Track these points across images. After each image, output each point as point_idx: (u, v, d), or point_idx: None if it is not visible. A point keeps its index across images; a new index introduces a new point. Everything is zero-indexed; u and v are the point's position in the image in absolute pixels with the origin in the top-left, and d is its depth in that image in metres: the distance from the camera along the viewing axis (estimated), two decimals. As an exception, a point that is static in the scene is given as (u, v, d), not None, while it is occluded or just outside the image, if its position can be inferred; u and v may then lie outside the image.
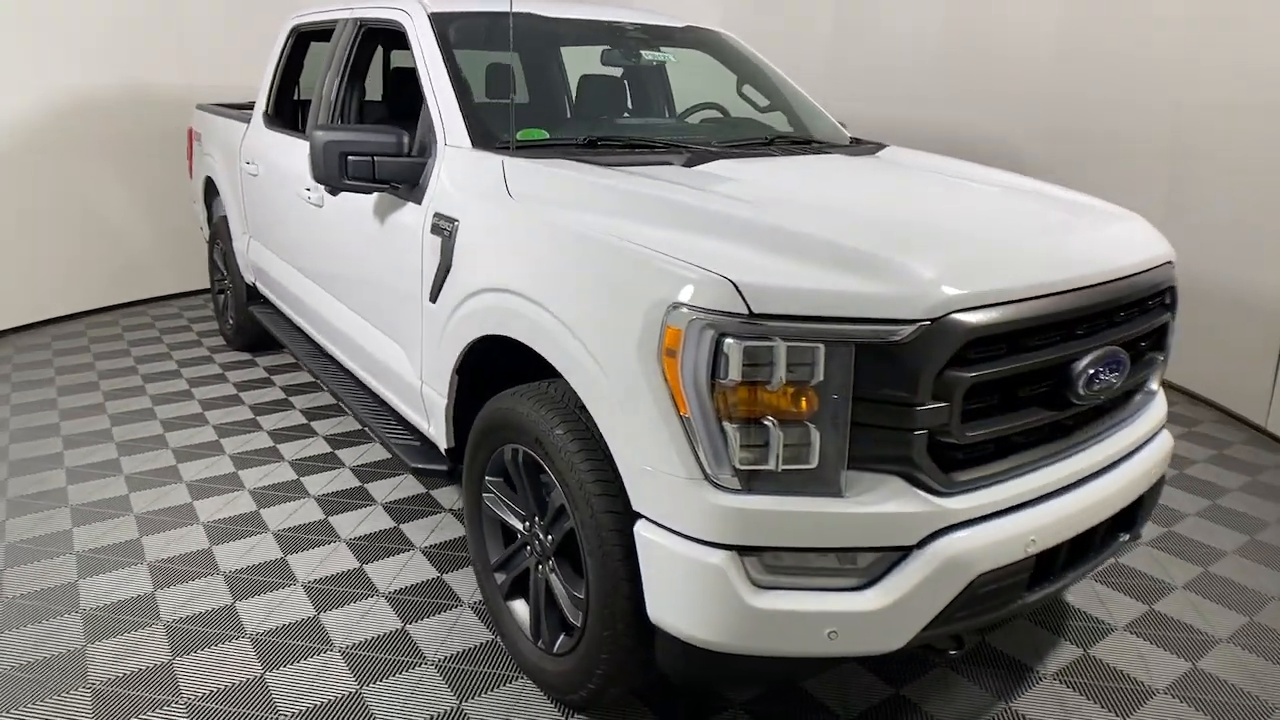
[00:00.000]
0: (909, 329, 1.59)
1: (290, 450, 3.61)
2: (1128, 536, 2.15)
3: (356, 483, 3.33)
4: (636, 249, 1.77)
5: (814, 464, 1.62)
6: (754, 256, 1.69)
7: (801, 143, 2.92)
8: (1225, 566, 2.90)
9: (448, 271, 2.28)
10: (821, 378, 1.59)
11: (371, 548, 2.88)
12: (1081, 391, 1.82)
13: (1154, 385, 2.22)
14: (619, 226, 1.87)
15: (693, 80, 3.90)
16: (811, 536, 1.65)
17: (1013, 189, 2.45)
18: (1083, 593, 2.71)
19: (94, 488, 3.28)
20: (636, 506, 1.75)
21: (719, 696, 2.21)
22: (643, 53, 3.16)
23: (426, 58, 2.65)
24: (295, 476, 3.38)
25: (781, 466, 1.62)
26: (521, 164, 2.22)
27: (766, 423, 1.60)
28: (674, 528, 1.68)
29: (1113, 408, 2.04)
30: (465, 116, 2.46)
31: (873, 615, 1.66)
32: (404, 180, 2.46)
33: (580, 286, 1.85)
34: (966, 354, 1.65)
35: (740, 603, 1.65)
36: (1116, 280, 1.90)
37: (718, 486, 1.63)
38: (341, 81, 3.21)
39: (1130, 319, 1.98)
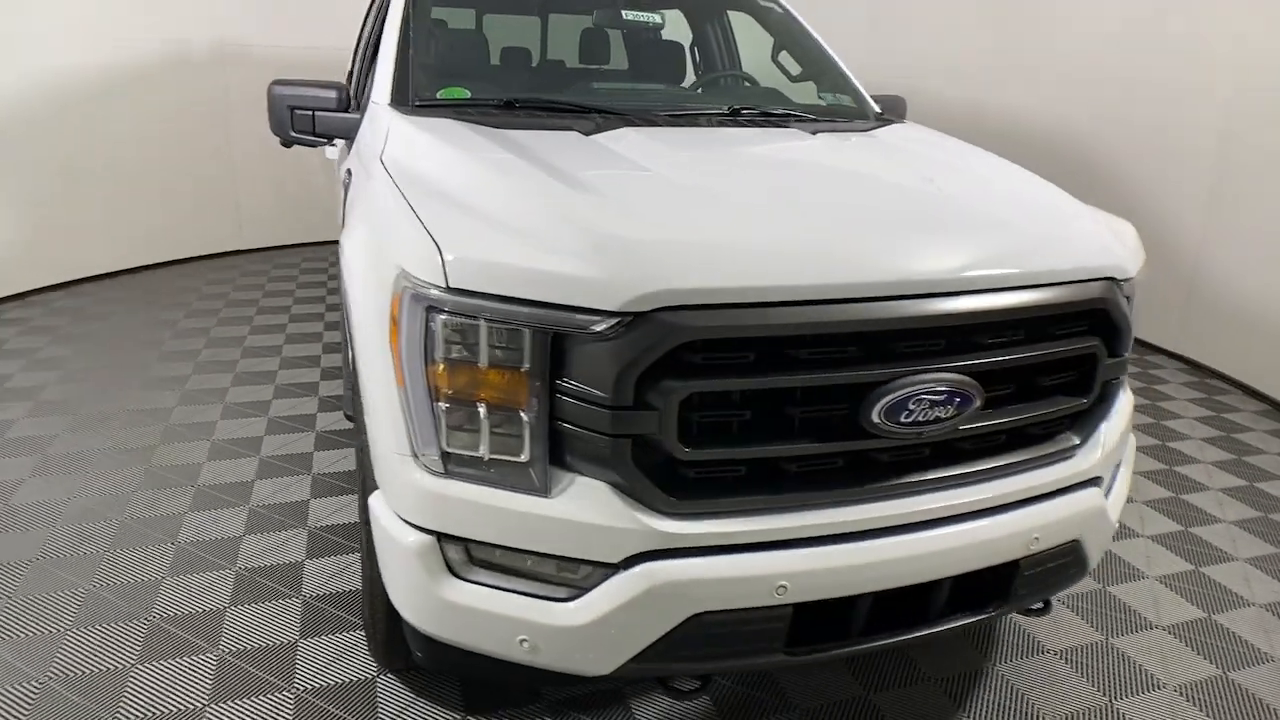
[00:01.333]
0: (609, 322, 1.41)
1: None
2: (995, 609, 1.77)
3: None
4: (409, 212, 1.71)
5: (524, 457, 1.50)
6: (497, 233, 1.56)
7: (777, 115, 2.62)
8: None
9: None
10: (528, 365, 1.46)
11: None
12: (880, 424, 1.51)
13: (1074, 437, 1.78)
14: (427, 189, 1.81)
15: (744, 46, 3.67)
16: (511, 535, 1.53)
17: (950, 179, 2.06)
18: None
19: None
20: (375, 479, 1.72)
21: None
22: (624, 14, 3.00)
23: (389, 11, 2.70)
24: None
25: (490, 455, 1.52)
26: (403, 122, 2.21)
27: (476, 407, 1.50)
28: (391, 505, 1.64)
29: (972, 452, 1.68)
30: (394, 73, 2.49)
31: (569, 631, 1.52)
32: (342, 136, 2.55)
33: (366, 247, 1.83)
34: (688, 359, 1.43)
35: (432, 591, 1.57)
36: (958, 293, 1.54)
37: (424, 468, 1.56)
38: (370, 44, 3.36)
39: (990, 344, 1.60)
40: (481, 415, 1.50)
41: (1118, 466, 2.10)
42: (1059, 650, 2.34)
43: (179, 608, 2.34)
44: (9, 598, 2.36)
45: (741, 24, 3.62)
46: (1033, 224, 1.79)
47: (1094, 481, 1.83)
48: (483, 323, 1.46)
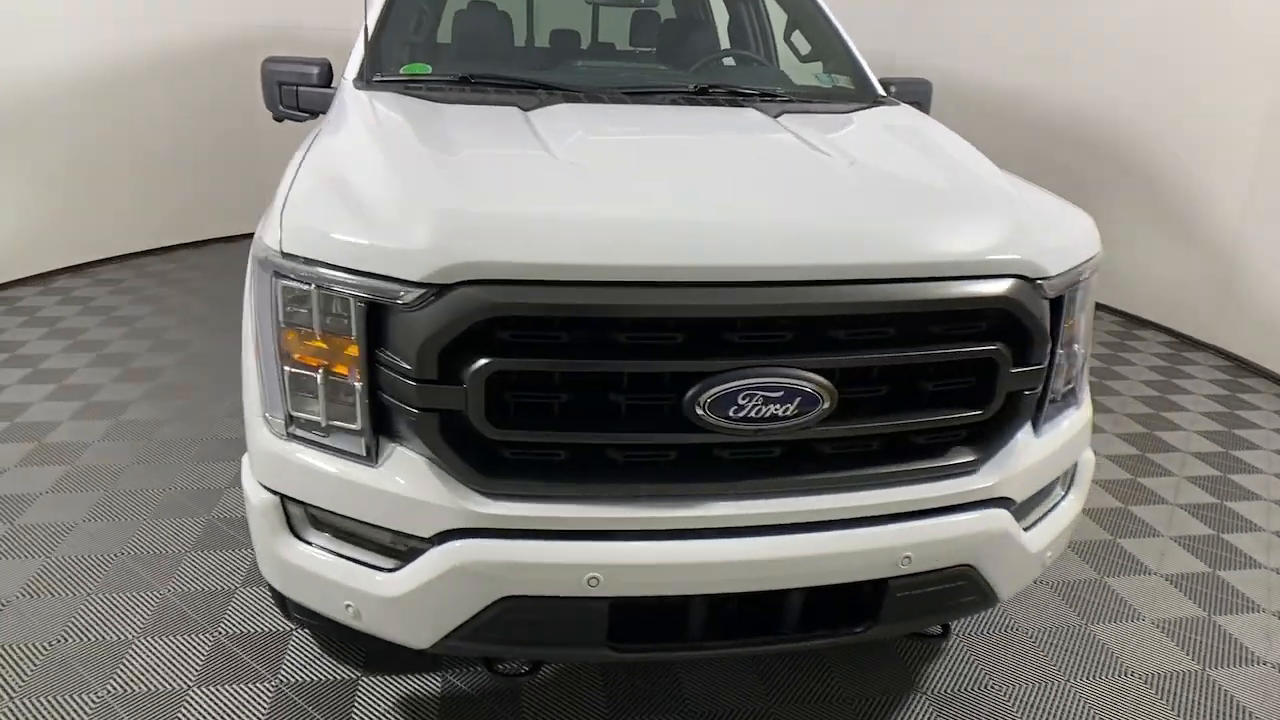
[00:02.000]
0: (415, 293, 1.39)
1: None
2: (867, 629, 1.63)
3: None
4: (289, 181, 1.74)
5: (356, 425, 1.52)
6: (342, 203, 1.56)
7: (745, 95, 2.47)
8: None
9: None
10: (354, 333, 1.47)
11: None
12: (706, 418, 1.42)
13: (970, 453, 1.60)
14: (318, 160, 1.84)
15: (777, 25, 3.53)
16: (339, 501, 1.55)
17: (877, 165, 1.90)
18: None
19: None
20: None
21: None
22: (614, -9, 2.93)
23: None
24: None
25: (327, 421, 1.54)
26: (348, 96, 2.26)
27: (313, 373, 1.53)
28: (250, 465, 1.69)
29: (834, 458, 1.55)
30: (366, 50, 2.54)
31: (386, 602, 1.52)
32: (321, 110, 2.64)
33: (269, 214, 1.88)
34: (498, 335, 1.39)
35: (276, 550, 1.62)
36: (800, 284, 1.42)
37: (271, 430, 1.61)
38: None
39: (846, 342, 1.47)
40: (318, 381, 1.52)
41: (1060, 492, 1.89)
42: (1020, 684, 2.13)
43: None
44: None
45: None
46: (927, 214, 1.63)
47: (1000, 503, 1.65)
48: (314, 289, 1.48)
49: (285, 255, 1.50)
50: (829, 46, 2.88)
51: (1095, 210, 2.01)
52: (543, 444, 1.45)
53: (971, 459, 1.61)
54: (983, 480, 1.61)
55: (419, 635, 1.54)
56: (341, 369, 1.51)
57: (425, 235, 1.41)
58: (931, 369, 1.56)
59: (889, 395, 1.55)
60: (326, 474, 1.54)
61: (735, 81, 2.59)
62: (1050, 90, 5.53)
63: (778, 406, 1.43)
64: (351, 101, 2.17)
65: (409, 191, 1.54)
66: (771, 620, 1.59)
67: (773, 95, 2.48)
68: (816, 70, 2.82)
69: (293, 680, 2.04)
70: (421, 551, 1.49)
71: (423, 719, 1.93)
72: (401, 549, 1.54)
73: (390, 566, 1.54)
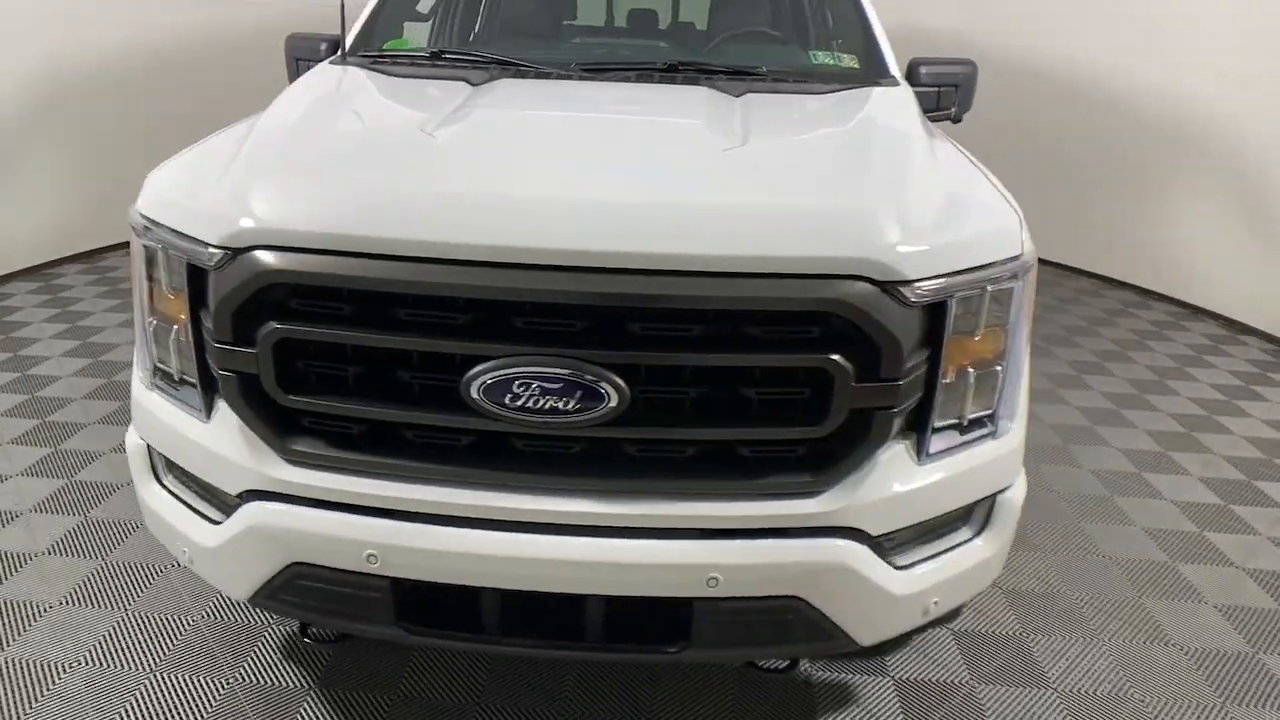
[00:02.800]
0: (216, 256, 1.42)
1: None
2: (680, 650, 1.49)
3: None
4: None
5: (196, 380, 1.59)
6: (202, 169, 1.62)
7: (712, 72, 2.30)
8: None
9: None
10: (186, 292, 1.53)
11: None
12: (481, 403, 1.35)
13: (806, 474, 1.43)
14: (229, 131, 1.91)
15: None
16: (176, 451, 1.62)
17: (773, 149, 1.72)
18: None
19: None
20: None
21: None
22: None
23: None
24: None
25: (180, 375, 1.62)
26: (313, 71, 2.32)
27: (163, 328, 1.61)
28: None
29: (641, 461, 1.43)
30: (365, 23, 2.62)
31: (205, 552, 1.58)
32: (326, 85, 2.76)
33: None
34: (288, 302, 1.40)
35: (140, 492, 1.73)
36: (588, 270, 1.31)
37: (140, 380, 1.71)
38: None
39: (641, 336, 1.34)
40: (170, 337, 1.60)
41: (965, 533, 1.65)
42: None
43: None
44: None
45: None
46: (770, 205, 1.45)
47: (845, 534, 1.46)
48: (159, 250, 1.56)
49: (141, 215, 1.59)
50: (847, 23, 2.65)
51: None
52: (335, 415, 1.45)
53: (807, 481, 1.43)
54: (820, 506, 1.43)
55: (235, 588, 1.59)
56: (178, 324, 1.57)
57: (226, 201, 1.45)
58: (758, 375, 1.40)
59: (706, 400, 1.41)
60: (172, 425, 1.62)
61: (720, 60, 2.43)
62: (1122, 74, 5.16)
63: (557, 400, 1.34)
64: (306, 76, 2.25)
65: (241, 160, 1.58)
66: (574, 626, 1.50)
67: (752, 74, 2.32)
68: (833, 48, 2.61)
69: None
70: (236, 508, 1.54)
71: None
72: (222, 503, 1.60)
73: (217, 519, 1.60)
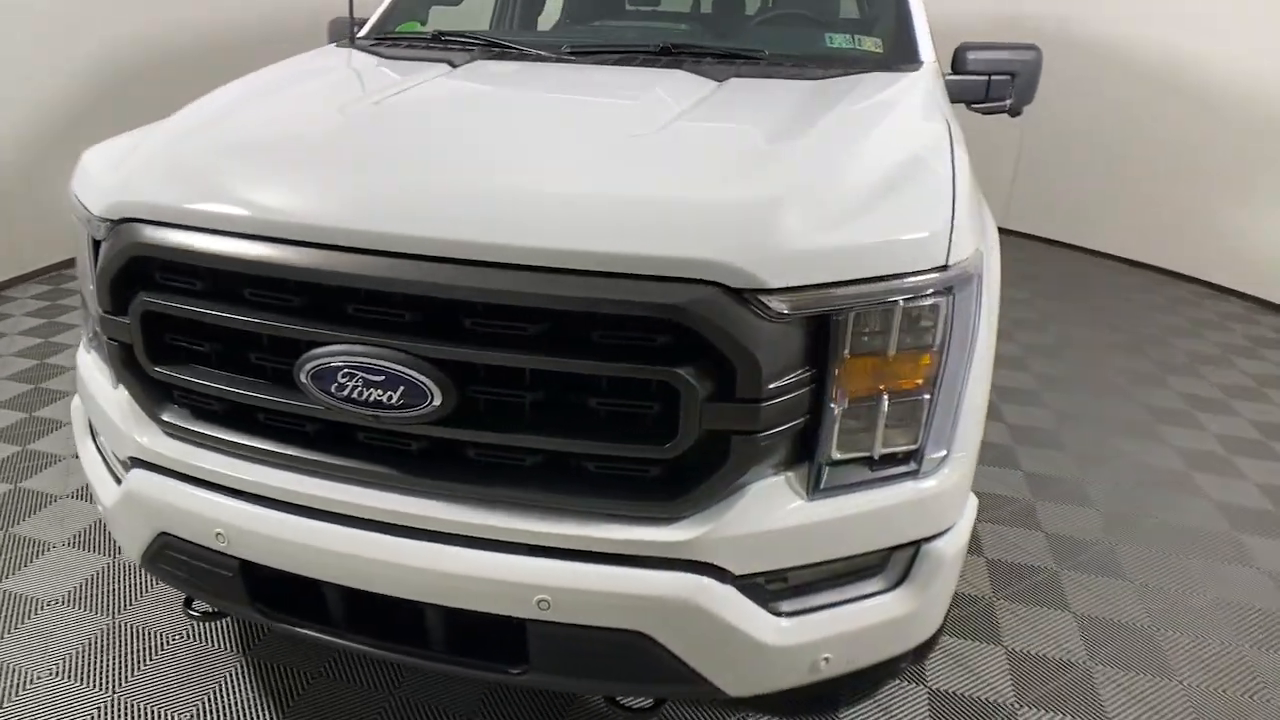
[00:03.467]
0: (99, 226, 1.45)
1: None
2: (523, 673, 1.38)
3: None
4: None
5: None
6: (130, 147, 1.65)
7: (713, 55, 2.13)
8: None
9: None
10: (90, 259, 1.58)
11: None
12: (309, 388, 1.30)
13: (653, 500, 1.27)
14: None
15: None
16: (94, 414, 1.68)
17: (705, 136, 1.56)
18: None
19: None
20: None
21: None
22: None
23: None
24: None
25: (104, 340, 1.68)
26: (308, 53, 2.34)
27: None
28: None
29: (479, 466, 1.32)
30: (386, 7, 2.63)
31: (109, 511, 1.63)
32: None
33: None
34: (156, 275, 1.40)
35: (77, 446, 1.81)
36: (423, 258, 1.22)
37: (83, 344, 1.80)
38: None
39: (472, 331, 1.24)
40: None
41: (875, 584, 1.43)
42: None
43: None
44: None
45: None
46: (639, 194, 1.29)
47: (702, 569, 1.29)
48: (81, 224, 1.62)
49: (73, 191, 1.65)
50: (884, 6, 2.39)
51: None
52: (194, 390, 1.44)
53: (657, 506, 1.28)
54: (670, 535, 1.28)
55: (128, 550, 1.63)
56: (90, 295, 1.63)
57: (116, 175, 1.47)
58: (605, 385, 1.27)
59: (546, 407, 1.29)
60: (90, 388, 1.68)
61: (728, 43, 2.26)
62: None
63: (380, 392, 1.26)
64: (296, 57, 2.28)
65: (149, 136, 1.60)
66: (419, 631, 1.43)
67: (749, 57, 2.13)
68: (860, 31, 2.36)
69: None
70: (127, 473, 1.58)
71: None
72: (122, 467, 1.64)
73: (118, 481, 1.65)
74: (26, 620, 2.12)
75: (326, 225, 1.28)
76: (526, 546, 1.31)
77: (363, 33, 2.58)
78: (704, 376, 1.21)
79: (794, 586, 1.39)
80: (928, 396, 1.36)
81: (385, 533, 1.35)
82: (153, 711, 1.86)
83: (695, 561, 1.29)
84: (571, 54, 2.16)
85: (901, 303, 1.28)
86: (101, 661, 2.00)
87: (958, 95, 2.42)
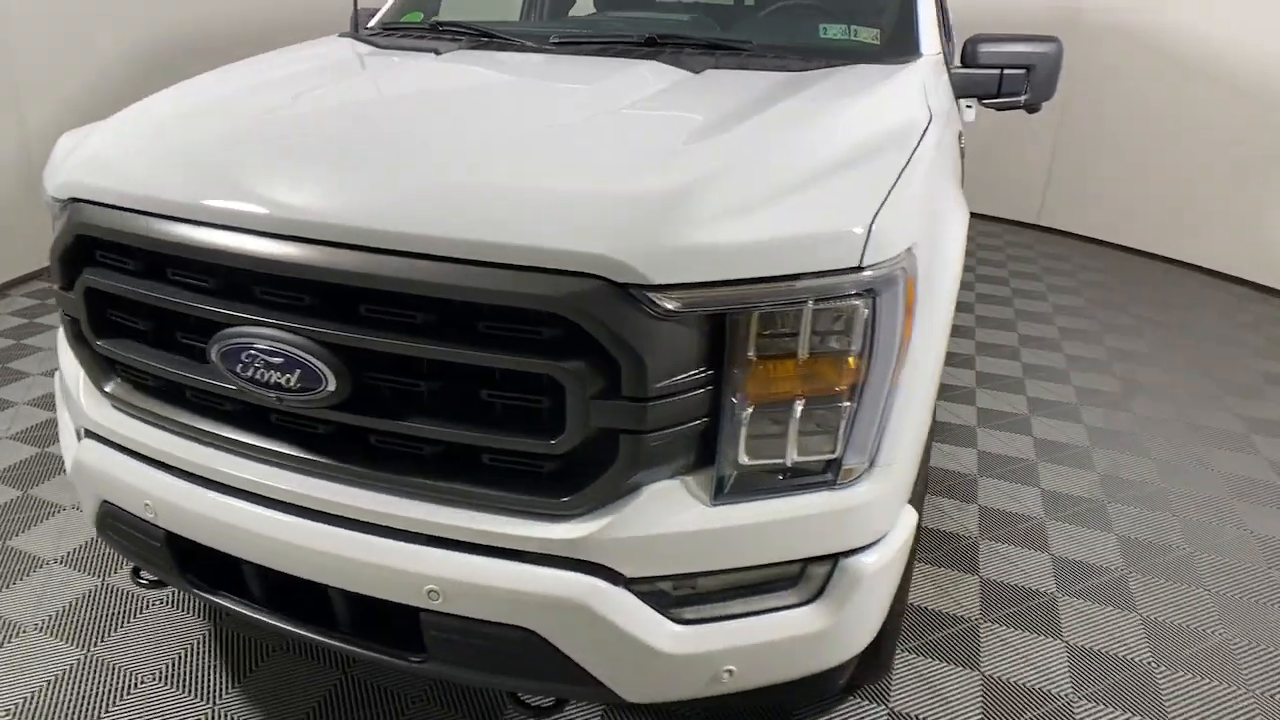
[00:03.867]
0: (54, 205, 1.52)
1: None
2: (421, 661, 1.38)
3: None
4: None
5: None
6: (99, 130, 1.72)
7: (694, 46, 2.08)
8: None
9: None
10: None
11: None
12: (217, 366, 1.32)
13: (560, 493, 1.25)
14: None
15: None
16: (64, 381, 1.75)
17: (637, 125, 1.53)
18: None
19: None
20: None
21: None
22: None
23: None
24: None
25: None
26: (307, 43, 2.38)
27: None
28: None
29: (377, 450, 1.33)
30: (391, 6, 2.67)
31: (69, 473, 1.70)
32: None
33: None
34: (96, 253, 1.45)
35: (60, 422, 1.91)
36: (321, 243, 1.23)
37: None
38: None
39: (362, 318, 1.24)
40: None
41: (788, 596, 1.37)
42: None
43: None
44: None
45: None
46: (519, 187, 1.26)
47: (592, 569, 1.26)
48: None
49: (44, 173, 1.73)
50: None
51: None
52: (129, 364, 1.49)
53: (550, 502, 1.26)
54: (560, 533, 1.25)
55: (86, 515, 1.71)
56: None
57: (70, 158, 1.53)
58: (498, 377, 1.25)
59: (442, 396, 1.28)
60: (60, 361, 1.76)
61: (718, 34, 2.21)
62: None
63: (279, 374, 1.28)
64: (291, 47, 2.33)
65: (109, 121, 1.66)
66: (329, 613, 1.44)
67: (739, 48, 2.07)
68: (859, 24, 2.27)
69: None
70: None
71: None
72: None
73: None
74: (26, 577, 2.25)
75: (232, 209, 1.30)
76: (420, 535, 1.30)
77: (373, 22, 2.63)
78: (591, 372, 1.18)
79: (700, 594, 1.34)
80: (848, 404, 1.30)
81: (291, 514, 1.37)
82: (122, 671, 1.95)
83: (586, 561, 1.26)
84: (557, 44, 2.15)
85: (811, 304, 1.22)
86: (81, 618, 2.10)
87: (967, 89, 2.31)
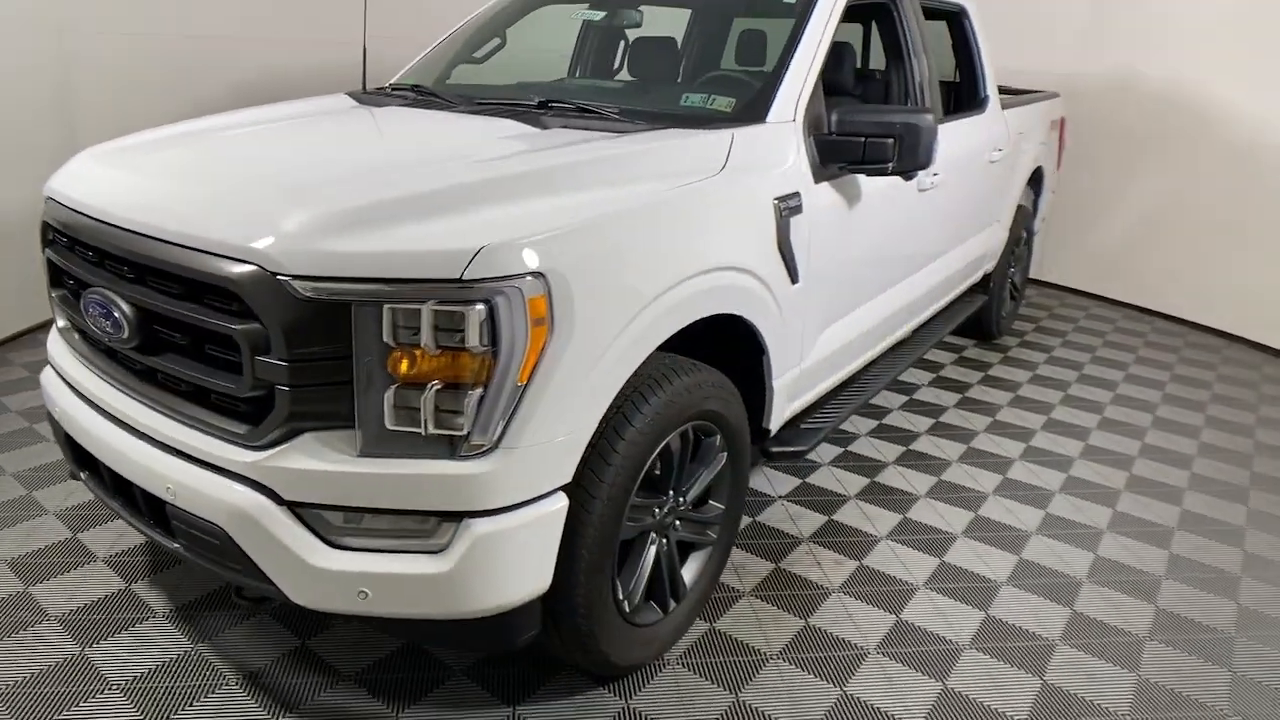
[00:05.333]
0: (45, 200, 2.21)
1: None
2: (181, 547, 1.85)
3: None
4: None
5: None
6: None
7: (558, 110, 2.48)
8: None
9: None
10: None
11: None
12: (84, 313, 1.90)
13: (241, 425, 1.69)
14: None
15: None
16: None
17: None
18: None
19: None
20: None
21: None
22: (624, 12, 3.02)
23: None
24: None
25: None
26: (320, 96, 3.02)
27: None
28: None
29: (159, 376, 1.86)
30: (415, 63, 3.27)
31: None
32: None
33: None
34: (50, 232, 2.10)
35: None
36: (142, 236, 1.76)
37: None
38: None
39: (149, 287, 1.77)
40: None
41: (433, 540, 1.69)
42: None
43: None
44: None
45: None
46: (236, 197, 1.76)
47: (259, 489, 1.66)
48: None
49: None
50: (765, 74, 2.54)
51: None
52: (61, 310, 2.12)
53: (240, 431, 1.69)
54: (241, 456, 1.68)
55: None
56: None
57: (61, 168, 2.20)
58: (217, 336, 1.70)
59: (184, 346, 1.77)
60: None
61: (589, 100, 2.57)
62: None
63: (106, 322, 1.83)
64: (310, 98, 2.99)
65: (100, 144, 2.34)
66: (137, 501, 1.95)
67: (600, 113, 2.42)
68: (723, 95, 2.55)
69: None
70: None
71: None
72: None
73: None
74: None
75: (93, 204, 1.88)
76: (168, 446, 1.79)
77: (389, 83, 3.27)
78: (255, 336, 1.60)
79: (351, 526, 1.69)
80: (474, 390, 1.61)
81: (113, 423, 1.91)
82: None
83: (257, 482, 1.67)
84: (469, 104, 2.62)
85: (432, 305, 1.56)
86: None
87: (833, 155, 2.47)
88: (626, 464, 1.89)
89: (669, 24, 3.47)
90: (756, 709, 2.12)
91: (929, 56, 3.33)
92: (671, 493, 2.17)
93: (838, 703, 2.15)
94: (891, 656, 2.32)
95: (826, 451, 3.48)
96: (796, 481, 3.24)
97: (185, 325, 1.75)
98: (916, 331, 3.71)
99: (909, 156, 2.41)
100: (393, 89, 3.00)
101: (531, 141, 2.15)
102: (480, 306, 1.57)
